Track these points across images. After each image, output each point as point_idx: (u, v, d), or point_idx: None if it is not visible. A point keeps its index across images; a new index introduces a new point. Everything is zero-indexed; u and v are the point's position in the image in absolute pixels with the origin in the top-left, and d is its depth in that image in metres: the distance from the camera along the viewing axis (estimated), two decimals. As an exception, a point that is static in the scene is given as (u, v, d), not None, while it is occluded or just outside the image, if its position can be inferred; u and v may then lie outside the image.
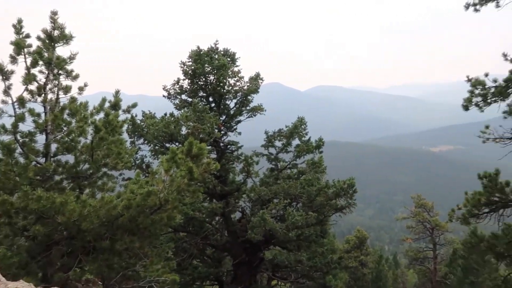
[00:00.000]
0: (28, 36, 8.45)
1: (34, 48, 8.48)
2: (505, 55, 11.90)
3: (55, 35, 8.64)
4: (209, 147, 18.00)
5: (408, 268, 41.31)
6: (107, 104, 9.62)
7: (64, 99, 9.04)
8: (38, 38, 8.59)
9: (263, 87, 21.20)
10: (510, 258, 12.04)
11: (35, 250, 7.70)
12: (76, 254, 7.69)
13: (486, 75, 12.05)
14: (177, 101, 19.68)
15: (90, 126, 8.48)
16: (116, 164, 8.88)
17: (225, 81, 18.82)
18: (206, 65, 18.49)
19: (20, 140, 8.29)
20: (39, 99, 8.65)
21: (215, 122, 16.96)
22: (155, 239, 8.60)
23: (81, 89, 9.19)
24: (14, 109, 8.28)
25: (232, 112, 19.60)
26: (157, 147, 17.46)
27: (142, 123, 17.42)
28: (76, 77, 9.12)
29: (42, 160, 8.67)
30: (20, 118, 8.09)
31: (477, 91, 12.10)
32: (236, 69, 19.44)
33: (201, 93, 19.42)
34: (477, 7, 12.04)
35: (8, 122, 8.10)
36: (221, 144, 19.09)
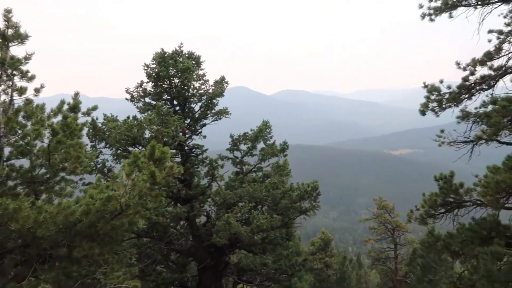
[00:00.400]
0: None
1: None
2: (458, 63, 12.52)
3: (9, 34, 8.27)
4: (174, 150, 17.78)
5: (371, 268, 42.43)
6: (65, 107, 9.30)
7: (19, 100, 8.67)
8: (-10, 37, 8.21)
9: (229, 90, 21.23)
10: (465, 256, 12.61)
11: (-14, 259, 7.31)
12: (31, 263, 7.35)
13: (441, 81, 12.62)
14: (140, 104, 19.31)
15: (47, 129, 8.16)
16: (74, 169, 8.59)
17: (189, 84, 18.68)
18: (171, 68, 18.29)
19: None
20: (-9, 100, 8.25)
21: (180, 126, 16.79)
22: (117, 245, 8.36)
23: (37, 90, 8.83)
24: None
25: (197, 115, 19.47)
26: (119, 151, 17.04)
27: (103, 127, 16.95)
28: (32, 78, 8.75)
29: (-6, 164, 8.26)
30: (-30, 121, 7.69)
31: (433, 97, 12.63)
32: (201, 72, 19.37)
33: (165, 96, 19.17)
34: (432, 17, 12.64)
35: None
36: (186, 148, 18.89)
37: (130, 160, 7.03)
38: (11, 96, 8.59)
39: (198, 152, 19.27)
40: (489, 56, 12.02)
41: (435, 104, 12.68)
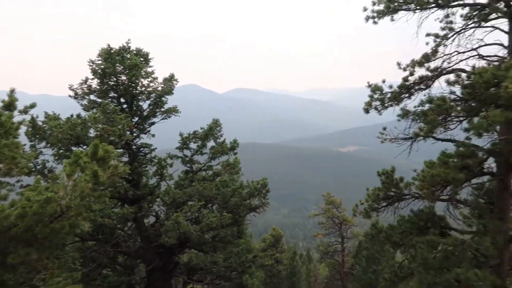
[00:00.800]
0: None
1: None
2: (399, 64, 13.21)
3: None
4: (121, 150, 17.19)
5: (320, 262, 43.69)
6: (0, 104, 8.71)
7: None
8: None
9: (179, 88, 20.89)
10: (404, 246, 13.35)
11: None
12: (-40, 272, 6.83)
13: (383, 81, 13.26)
14: (85, 102, 18.41)
15: (-23, 128, 7.60)
16: (9, 170, 8.05)
17: (137, 81, 18.10)
18: (117, 64, 17.63)
19: None
20: None
21: (127, 124, 16.25)
22: (57, 250, 7.96)
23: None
24: None
25: (145, 113, 18.93)
26: (61, 151, 16.15)
27: (44, 125, 15.99)
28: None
29: None
30: None
31: (376, 96, 13.24)
32: (149, 69, 18.82)
33: (111, 94, 18.42)
34: (376, 19, 13.24)
35: None
36: (133, 147, 18.33)
37: (71, 160, 6.73)
38: None
39: (147, 151, 18.77)
40: (426, 58, 12.80)
41: (378, 103, 13.30)
